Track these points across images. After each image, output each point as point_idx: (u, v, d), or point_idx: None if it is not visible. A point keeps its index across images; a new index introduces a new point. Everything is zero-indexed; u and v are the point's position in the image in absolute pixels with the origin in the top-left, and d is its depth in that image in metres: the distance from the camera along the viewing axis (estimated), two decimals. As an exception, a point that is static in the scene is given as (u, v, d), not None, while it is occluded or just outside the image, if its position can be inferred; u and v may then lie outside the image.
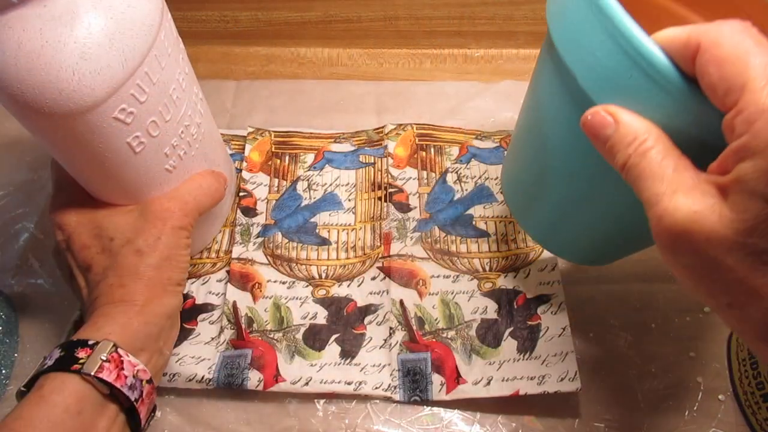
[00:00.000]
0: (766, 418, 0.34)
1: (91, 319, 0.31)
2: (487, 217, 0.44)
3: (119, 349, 0.29)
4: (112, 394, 0.29)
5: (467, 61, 0.54)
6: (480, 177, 0.46)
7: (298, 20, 0.53)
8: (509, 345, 0.38)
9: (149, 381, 0.30)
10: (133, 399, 0.29)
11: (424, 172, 0.46)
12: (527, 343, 0.38)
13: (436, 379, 0.37)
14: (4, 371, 0.39)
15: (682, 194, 0.19)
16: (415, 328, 0.39)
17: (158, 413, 0.37)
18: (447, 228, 0.43)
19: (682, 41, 0.20)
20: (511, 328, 0.39)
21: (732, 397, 0.37)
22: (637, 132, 0.21)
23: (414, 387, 0.37)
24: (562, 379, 0.36)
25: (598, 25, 0.23)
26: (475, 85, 0.53)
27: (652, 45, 0.21)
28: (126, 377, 0.29)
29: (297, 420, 0.37)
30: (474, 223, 0.43)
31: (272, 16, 0.53)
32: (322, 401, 0.38)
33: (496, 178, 0.46)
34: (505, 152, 0.46)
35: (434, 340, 0.39)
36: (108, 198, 0.35)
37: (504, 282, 0.41)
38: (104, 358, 0.28)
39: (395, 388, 0.37)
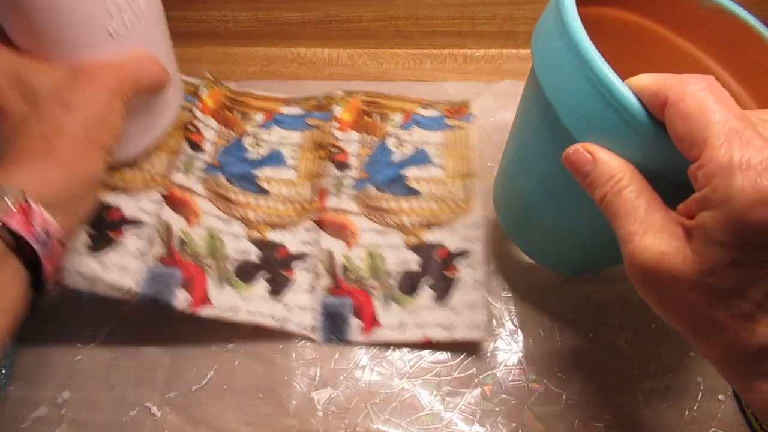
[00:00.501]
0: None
1: (3, 166, 0.28)
2: (421, 177, 0.46)
3: (29, 199, 0.26)
4: (18, 246, 0.26)
5: (467, 61, 0.54)
6: (420, 142, 0.47)
7: (298, 20, 0.53)
8: (426, 294, 0.40)
9: (60, 242, 0.28)
10: (41, 255, 0.26)
11: (368, 136, 0.48)
12: (443, 293, 0.40)
13: (355, 322, 0.39)
14: (3, 371, 0.39)
15: (652, 235, 0.22)
16: (340, 275, 0.41)
17: (158, 413, 0.37)
18: (382, 187, 0.45)
19: (653, 91, 0.22)
20: (430, 280, 0.41)
21: (732, 397, 0.37)
22: (612, 171, 0.24)
23: (333, 329, 0.39)
24: (470, 328, 0.38)
25: (578, 69, 0.25)
26: (475, 85, 0.53)
27: (626, 92, 0.23)
28: (35, 230, 0.26)
29: (297, 420, 0.37)
30: (407, 182, 0.45)
31: (272, 16, 0.53)
32: (322, 401, 0.38)
33: (437, 143, 0.47)
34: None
35: (357, 287, 0.41)
36: (38, 48, 0.31)
37: (429, 237, 0.43)
38: (11, 205, 0.25)
39: (316, 329, 0.39)
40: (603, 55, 0.24)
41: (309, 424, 0.37)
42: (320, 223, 0.43)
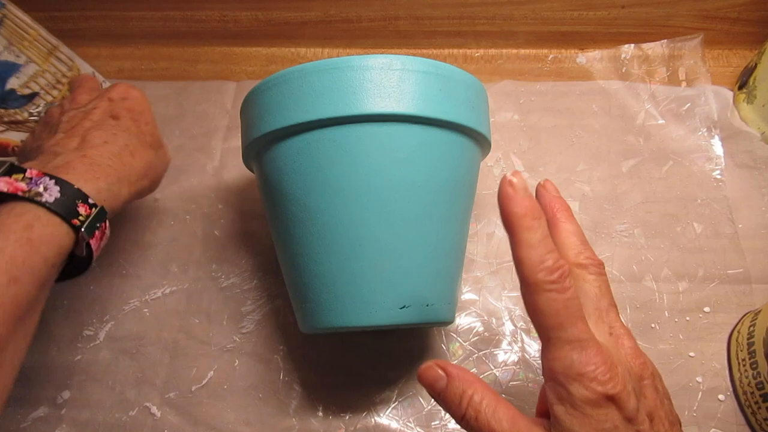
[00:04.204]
0: (766, 418, 0.34)
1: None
2: (24, 81, 0.48)
3: (107, 220, 0.30)
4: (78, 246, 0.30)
5: (467, 61, 0.54)
6: None
7: (298, 20, 0.53)
8: None
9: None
10: (94, 258, 0.30)
11: None
12: None
13: None
14: (4, 371, 0.39)
15: None
16: None
17: (158, 413, 0.37)
18: (2, 107, 0.47)
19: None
20: None
21: (732, 397, 0.37)
22: (464, 386, 0.25)
23: None
24: None
25: None
26: (475, 85, 0.53)
27: None
28: (101, 246, 0.31)
29: (297, 420, 0.37)
30: (19, 93, 0.48)
31: (272, 16, 0.53)
32: (322, 402, 0.38)
33: (5, 46, 0.49)
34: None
35: None
36: None
37: None
38: (98, 227, 0.29)
39: None
40: None
41: (309, 423, 0.37)
42: None
